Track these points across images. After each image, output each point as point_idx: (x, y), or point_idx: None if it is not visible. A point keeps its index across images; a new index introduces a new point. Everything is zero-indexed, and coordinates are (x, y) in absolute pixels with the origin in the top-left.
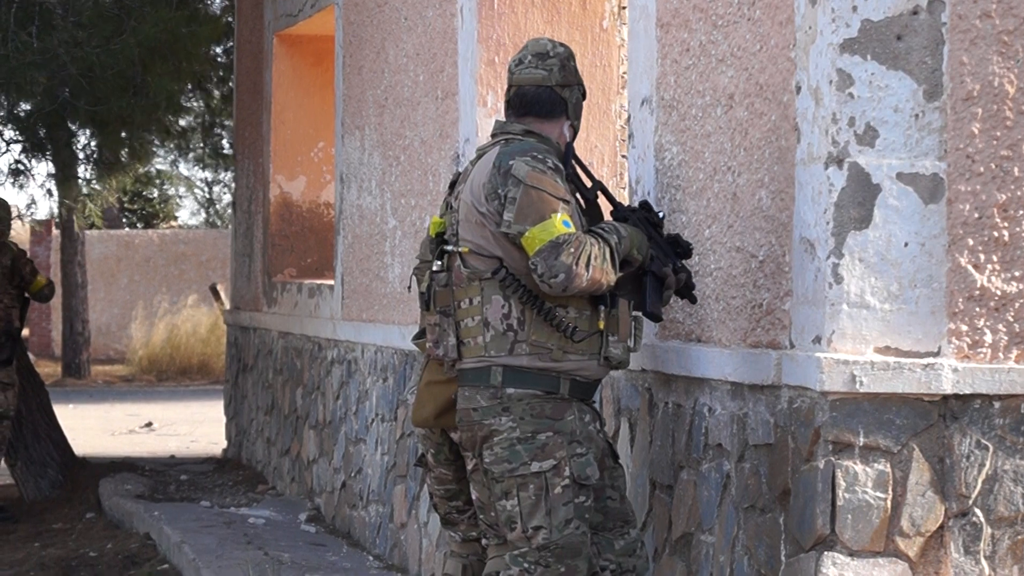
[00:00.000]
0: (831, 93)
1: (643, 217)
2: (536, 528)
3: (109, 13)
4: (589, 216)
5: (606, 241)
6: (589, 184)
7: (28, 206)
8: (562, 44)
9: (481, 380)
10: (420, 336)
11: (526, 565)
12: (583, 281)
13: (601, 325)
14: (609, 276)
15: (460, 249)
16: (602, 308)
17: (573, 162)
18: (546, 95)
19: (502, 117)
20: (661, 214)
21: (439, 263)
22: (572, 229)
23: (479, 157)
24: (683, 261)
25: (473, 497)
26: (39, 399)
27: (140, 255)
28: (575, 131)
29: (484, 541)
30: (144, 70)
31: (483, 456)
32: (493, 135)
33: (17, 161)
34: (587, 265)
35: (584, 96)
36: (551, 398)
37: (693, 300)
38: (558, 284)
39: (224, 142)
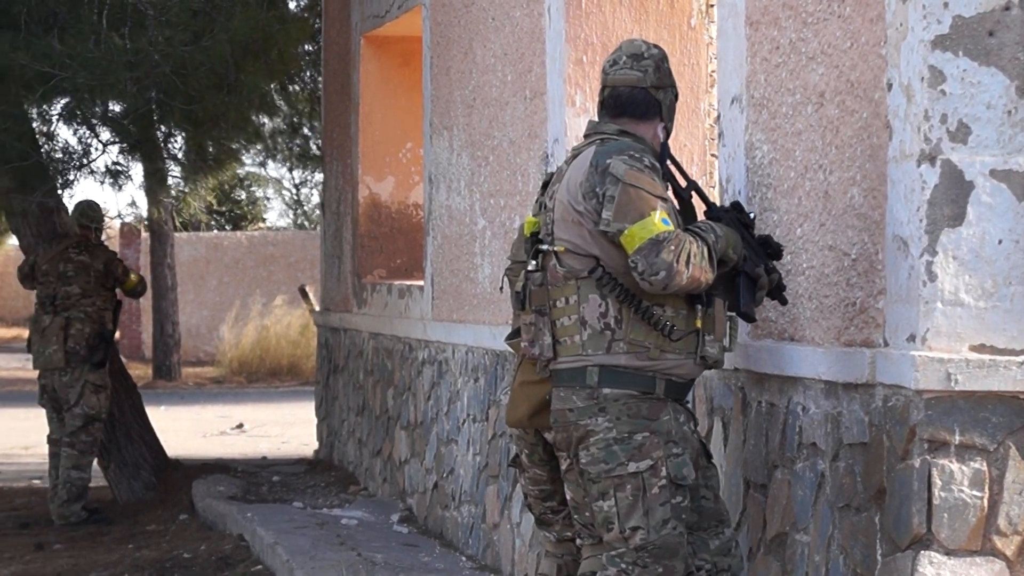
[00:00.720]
0: (923, 90)
1: (735, 218)
2: (634, 528)
3: (198, 9)
4: (683, 216)
5: (704, 240)
6: (684, 184)
7: (129, 206)
8: (656, 46)
9: (577, 380)
10: (513, 336)
11: (623, 565)
12: (683, 279)
13: (699, 324)
14: (707, 274)
15: (556, 248)
16: (699, 307)
17: (668, 162)
18: (641, 96)
19: (591, 116)
20: (752, 215)
21: (534, 262)
22: (671, 227)
23: (574, 157)
24: (774, 262)
25: (567, 497)
26: (131, 401)
27: (229, 257)
28: (668, 132)
29: (578, 541)
30: (236, 68)
31: (579, 456)
32: (586, 135)
33: (115, 163)
34: (687, 263)
35: (677, 98)
36: (647, 398)
37: (784, 301)
38: (659, 282)
39: (311, 143)
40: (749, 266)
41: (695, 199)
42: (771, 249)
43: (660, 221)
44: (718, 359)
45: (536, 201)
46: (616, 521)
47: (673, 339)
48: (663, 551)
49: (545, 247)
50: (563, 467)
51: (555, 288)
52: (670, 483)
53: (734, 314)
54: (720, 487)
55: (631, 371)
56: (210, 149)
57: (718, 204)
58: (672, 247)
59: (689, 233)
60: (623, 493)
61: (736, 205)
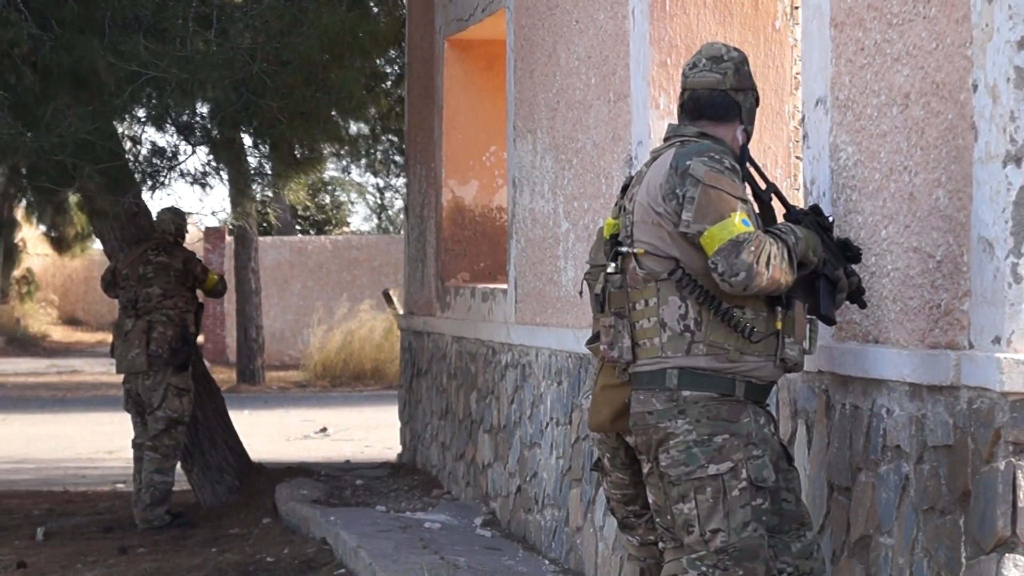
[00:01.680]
0: (1009, 91)
1: (814, 220)
2: (714, 531)
3: (285, 10)
4: (763, 218)
5: (784, 242)
6: (763, 186)
7: (214, 213)
8: (736, 48)
9: (656, 383)
10: (594, 340)
11: (704, 568)
12: (763, 280)
13: (779, 326)
14: (788, 276)
15: (635, 250)
16: (779, 309)
17: (748, 164)
18: (720, 99)
19: (674, 119)
20: (831, 218)
21: (613, 265)
22: (751, 228)
23: (653, 159)
24: (853, 265)
25: (649, 501)
26: (215, 405)
27: (313, 261)
28: (748, 135)
29: (661, 545)
30: (326, 66)
31: (659, 459)
32: (666, 138)
33: (204, 164)
34: (767, 264)
35: (758, 101)
36: (727, 400)
37: (863, 304)
38: (739, 283)
39: (394, 148)
40: (829, 269)
41: (775, 201)
42: (850, 252)
43: (740, 222)
44: (798, 361)
45: (616, 204)
46: (696, 524)
47: (753, 341)
48: (744, 554)
49: (624, 249)
50: (644, 471)
51: (634, 290)
52: (750, 485)
53: (814, 317)
54: (801, 490)
55: (710, 373)
56: (298, 151)
57: (799, 207)
58: (752, 248)
59: (769, 235)
60: (703, 496)
61: (815, 208)
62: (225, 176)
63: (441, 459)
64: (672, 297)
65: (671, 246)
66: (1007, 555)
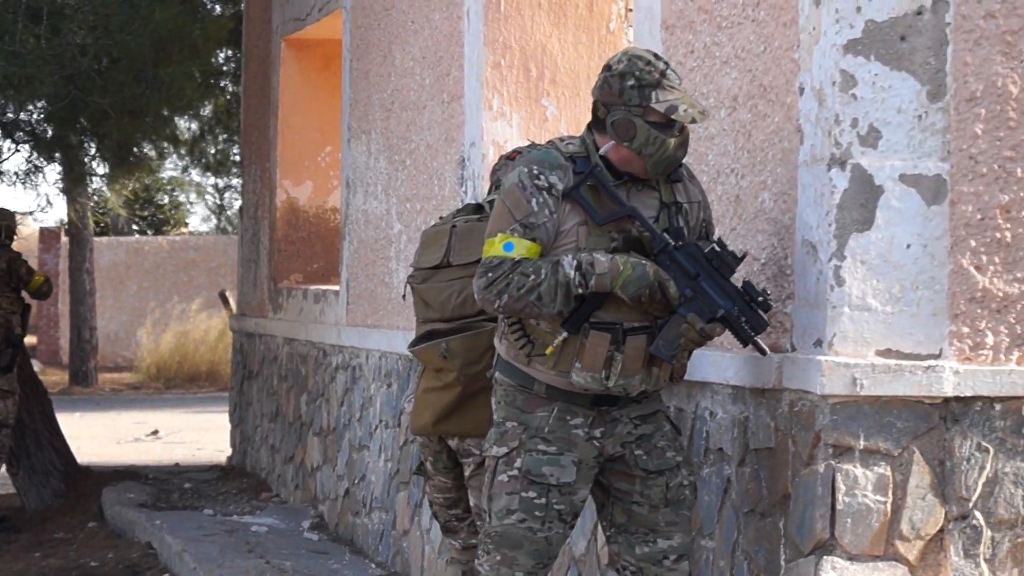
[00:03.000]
0: (834, 94)
1: (696, 255)
2: (484, 511)
3: (117, 7)
4: (598, 244)
5: (557, 275)
6: (608, 211)
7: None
8: (630, 59)
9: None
10: (416, 343)
11: (480, 548)
12: (495, 307)
13: (549, 351)
14: (537, 309)
15: None
16: (561, 335)
17: (594, 183)
18: (594, 109)
19: (508, 120)
20: (740, 254)
21: None
22: (512, 254)
23: None
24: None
25: (471, 504)
26: (41, 407)
27: (149, 262)
28: (641, 154)
29: None
30: (156, 63)
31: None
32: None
33: (27, 161)
34: (500, 293)
35: (640, 117)
36: (524, 391)
37: (762, 352)
38: (479, 302)
39: (233, 147)
40: (685, 308)
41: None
42: (749, 296)
43: (502, 245)
44: (591, 387)
45: None
46: (485, 504)
47: (527, 355)
48: (504, 540)
49: None
50: (467, 473)
51: None
52: (522, 476)
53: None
54: (672, 502)
55: (511, 365)
56: (132, 149)
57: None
58: (491, 274)
59: (547, 264)
60: (487, 475)
61: (719, 243)
62: (52, 175)
63: (271, 462)
64: None
65: None
66: (825, 557)
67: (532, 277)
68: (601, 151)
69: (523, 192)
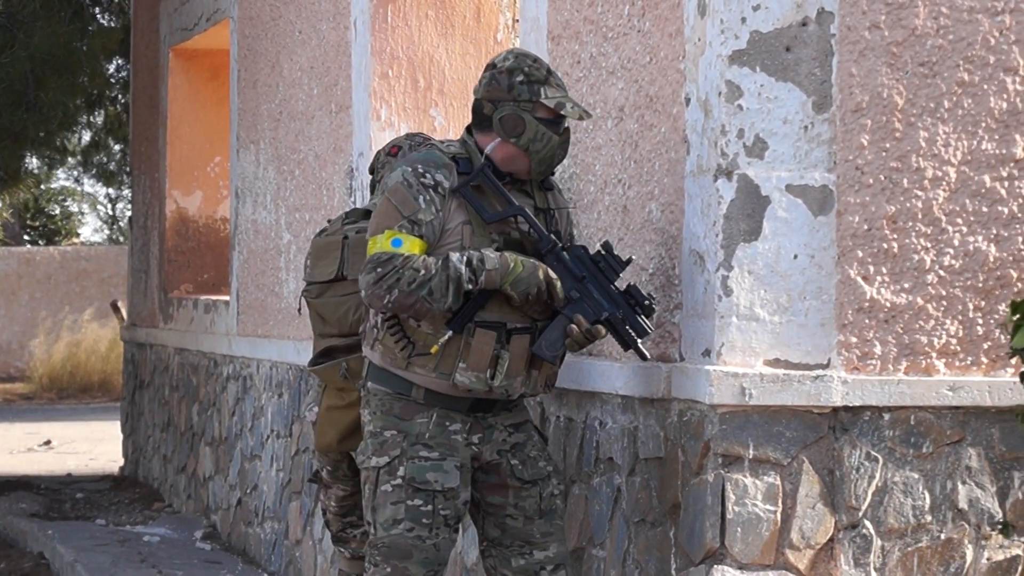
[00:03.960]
0: (720, 105)
1: (583, 257)
2: (370, 523)
3: None
4: (480, 242)
5: (447, 269)
6: (494, 209)
7: None
8: (515, 57)
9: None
10: (316, 362)
11: (368, 561)
12: (384, 303)
13: (434, 350)
14: (428, 304)
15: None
16: (446, 334)
17: (480, 183)
18: (476, 107)
19: (396, 130)
20: (625, 258)
21: None
22: (401, 249)
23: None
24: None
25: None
26: None
27: (41, 272)
28: (518, 149)
29: None
30: (37, 85)
31: None
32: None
33: None
34: (390, 288)
35: (528, 113)
36: (402, 398)
37: (643, 357)
38: (365, 299)
39: (125, 157)
40: (569, 309)
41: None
42: (634, 300)
43: (390, 241)
44: (475, 388)
45: None
46: (369, 514)
47: (408, 356)
48: (392, 551)
49: None
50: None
51: None
52: (406, 484)
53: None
54: (546, 513)
55: (387, 372)
56: (19, 166)
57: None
58: (380, 269)
59: (437, 261)
60: (368, 487)
61: (606, 246)
62: None
63: (163, 472)
64: None
65: None
66: (716, 566)
67: (422, 272)
68: (487, 150)
69: (409, 190)
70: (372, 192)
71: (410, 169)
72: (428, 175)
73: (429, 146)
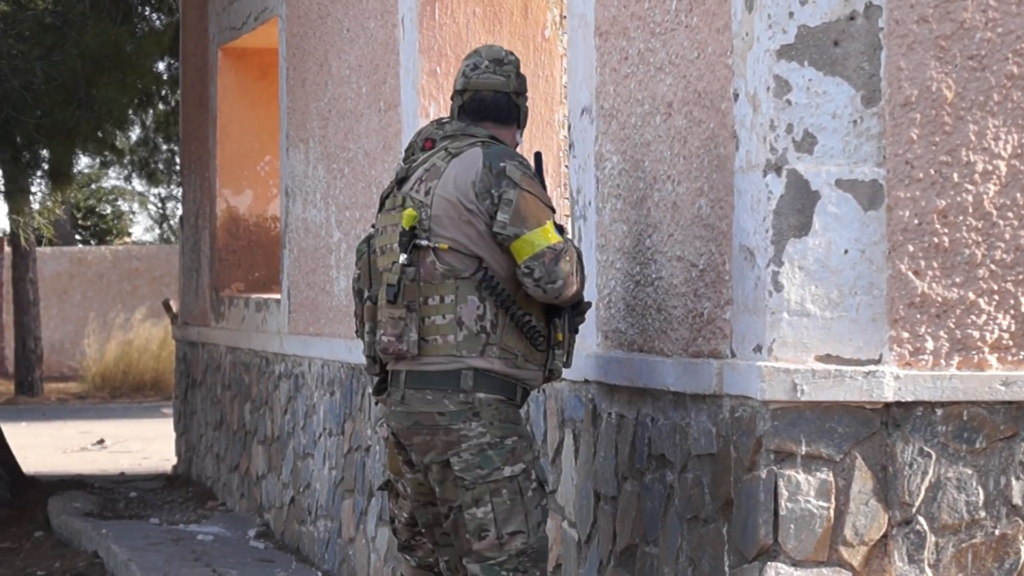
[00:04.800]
0: (769, 100)
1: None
2: (512, 533)
3: (50, 24)
4: None
5: (580, 254)
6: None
7: None
8: (512, 52)
9: (449, 383)
10: (380, 391)
11: (504, 573)
12: (572, 290)
13: (560, 337)
14: (583, 288)
15: (437, 245)
16: (556, 321)
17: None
18: (504, 101)
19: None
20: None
21: (405, 256)
22: (561, 238)
23: (452, 155)
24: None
25: (418, 515)
26: None
27: (93, 271)
28: (519, 139)
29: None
30: (88, 83)
31: (450, 463)
32: (450, 135)
33: None
34: (577, 274)
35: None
36: (511, 403)
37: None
38: (553, 290)
39: (175, 156)
40: None
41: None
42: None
43: (554, 231)
44: (559, 373)
45: (391, 195)
46: (492, 527)
47: (539, 349)
48: (539, 554)
49: (424, 243)
50: (421, 476)
51: (428, 285)
52: (539, 486)
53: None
54: None
55: (501, 377)
56: (71, 164)
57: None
58: (567, 257)
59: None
60: (500, 498)
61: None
62: None
63: (216, 470)
64: (471, 296)
65: (478, 245)
66: (769, 563)
67: (577, 258)
68: (520, 141)
69: (533, 181)
70: (400, 186)
71: (516, 162)
72: (527, 165)
73: (492, 143)
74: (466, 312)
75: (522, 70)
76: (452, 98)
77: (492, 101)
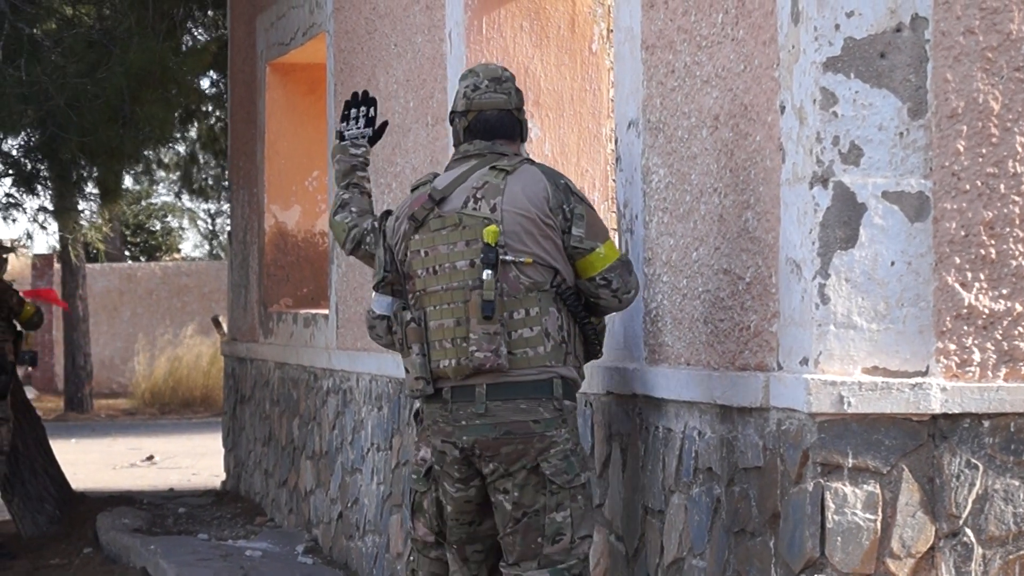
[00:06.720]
0: (815, 112)
1: None
2: (583, 537)
3: (95, 40)
4: None
5: None
6: None
7: (22, 240)
8: (507, 68)
9: (543, 392)
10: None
11: (570, 571)
12: (634, 298)
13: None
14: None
15: (523, 260)
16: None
17: None
18: (508, 119)
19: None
20: None
21: (490, 272)
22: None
23: (506, 172)
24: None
25: (467, 519)
26: (35, 434)
27: (142, 288)
28: None
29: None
30: (132, 100)
31: (540, 467)
32: (478, 154)
33: (8, 195)
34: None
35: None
36: (576, 410)
37: None
38: (628, 299)
39: (224, 172)
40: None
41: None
42: None
43: (615, 246)
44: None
45: (431, 215)
46: (568, 531)
47: (599, 355)
48: (588, 558)
49: (510, 258)
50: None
51: (512, 299)
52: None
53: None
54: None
55: (573, 384)
56: (118, 181)
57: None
58: (632, 269)
59: None
60: (576, 503)
61: None
62: (35, 205)
63: (264, 486)
64: (552, 308)
65: (555, 257)
66: None
67: None
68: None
69: (585, 196)
70: (439, 205)
71: (566, 178)
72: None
73: (528, 161)
74: (550, 323)
75: (569, 84)
76: (451, 120)
77: (497, 120)
